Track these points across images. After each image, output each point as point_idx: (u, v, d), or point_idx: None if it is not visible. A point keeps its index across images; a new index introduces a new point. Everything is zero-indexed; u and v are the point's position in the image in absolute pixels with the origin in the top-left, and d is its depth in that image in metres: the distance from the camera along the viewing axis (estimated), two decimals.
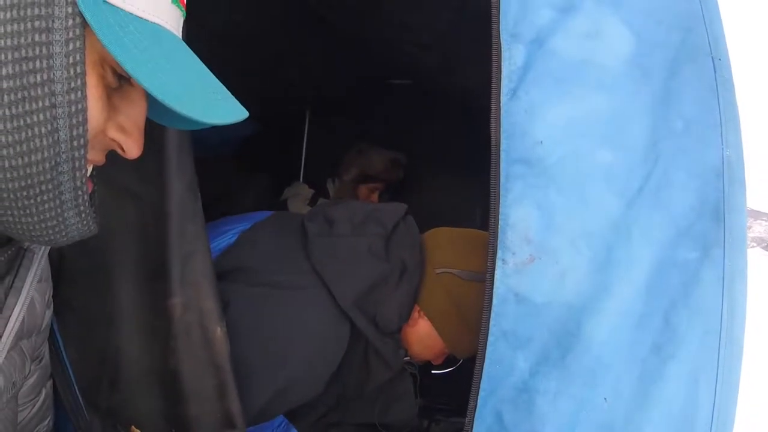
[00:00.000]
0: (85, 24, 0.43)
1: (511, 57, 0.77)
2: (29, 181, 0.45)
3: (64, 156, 0.45)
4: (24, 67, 0.41)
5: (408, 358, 1.08)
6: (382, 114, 2.14)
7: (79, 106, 0.44)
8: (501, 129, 0.75)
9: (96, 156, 0.52)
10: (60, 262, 0.84)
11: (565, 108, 0.78)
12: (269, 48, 1.48)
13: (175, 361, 0.79)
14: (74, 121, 0.44)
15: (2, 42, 0.40)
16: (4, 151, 0.43)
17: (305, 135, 2.32)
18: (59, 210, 0.48)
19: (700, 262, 0.77)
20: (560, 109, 0.77)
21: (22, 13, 0.41)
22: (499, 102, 0.76)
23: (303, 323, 0.93)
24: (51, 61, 0.42)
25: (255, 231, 1.08)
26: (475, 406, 0.75)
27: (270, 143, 2.14)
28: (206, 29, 0.97)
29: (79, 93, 0.43)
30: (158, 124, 0.62)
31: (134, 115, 0.51)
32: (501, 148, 0.75)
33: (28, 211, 0.46)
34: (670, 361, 0.76)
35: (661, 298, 0.77)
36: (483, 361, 0.75)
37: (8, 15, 0.41)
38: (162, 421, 0.82)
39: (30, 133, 0.43)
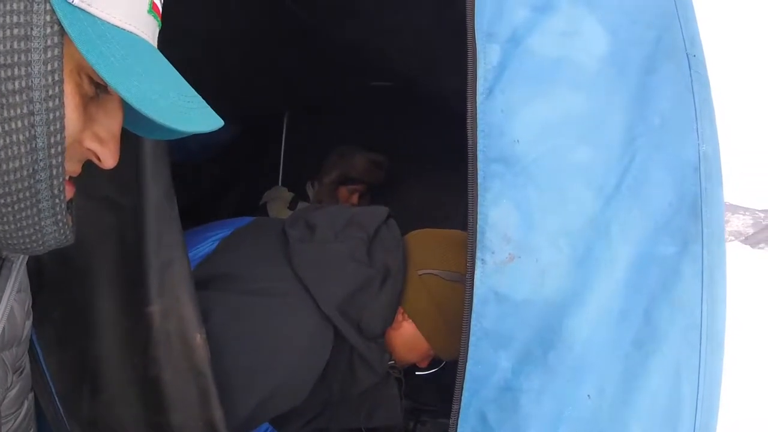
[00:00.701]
0: (63, 32, 0.43)
1: (487, 56, 0.77)
2: (6, 189, 0.45)
3: (41, 164, 0.45)
4: (2, 74, 0.41)
5: (392, 362, 1.08)
6: (362, 116, 2.14)
7: (57, 114, 0.44)
8: (477, 128, 0.75)
9: (72, 166, 0.52)
10: (39, 272, 0.83)
11: (542, 107, 0.78)
12: (247, 51, 1.48)
13: (155, 369, 0.78)
14: (52, 128, 0.44)
15: None
16: None
17: (283, 138, 2.31)
18: (36, 218, 0.47)
19: (679, 257, 0.77)
20: (537, 107, 0.78)
21: (0, 20, 0.41)
22: (475, 101, 0.76)
23: (286, 330, 0.92)
24: (29, 69, 0.42)
25: (236, 237, 1.08)
26: (459, 407, 0.75)
27: (249, 147, 2.13)
28: (185, 33, 0.96)
29: (57, 100, 0.44)
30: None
31: (110, 124, 0.51)
32: (478, 148, 0.75)
33: (4, 219, 0.46)
34: (653, 356, 0.76)
35: (642, 294, 0.77)
36: (465, 362, 0.75)
37: None
38: (144, 429, 0.81)
39: (8, 140, 0.43)
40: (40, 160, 0.44)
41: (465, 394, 0.75)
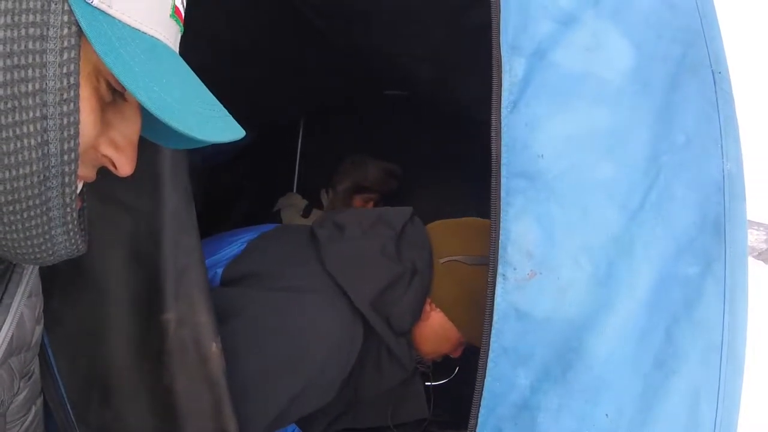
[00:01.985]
0: (80, 34, 0.41)
1: (512, 69, 0.76)
2: (16, 196, 0.43)
3: (53, 170, 0.43)
4: (15, 76, 0.39)
5: (418, 357, 1.07)
6: (376, 125, 2.14)
7: (72, 119, 0.42)
8: (501, 142, 0.74)
9: (87, 172, 0.51)
10: (52, 276, 0.82)
11: (566, 121, 0.77)
12: (264, 58, 1.47)
13: (168, 377, 0.77)
14: (65, 134, 0.42)
15: None
16: (9, 165, 0.41)
17: (299, 145, 2.31)
18: (46, 227, 0.45)
19: (702, 277, 0.76)
20: (561, 122, 0.77)
21: (16, 19, 0.39)
22: (500, 115, 0.75)
23: (318, 325, 0.92)
24: (44, 71, 0.40)
25: (263, 239, 1.09)
26: (476, 424, 0.74)
27: (264, 153, 2.12)
28: (201, 39, 0.96)
29: (72, 105, 0.42)
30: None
31: (128, 131, 0.50)
32: (501, 162, 0.74)
33: (13, 227, 0.44)
34: (672, 377, 0.75)
35: (663, 313, 0.76)
36: (483, 378, 0.74)
37: (1, 21, 0.39)
38: None
39: (19, 145, 0.41)
40: (52, 166, 0.43)
41: (482, 410, 0.74)
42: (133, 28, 0.44)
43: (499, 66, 0.76)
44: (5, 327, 0.63)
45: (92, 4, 0.41)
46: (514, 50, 0.77)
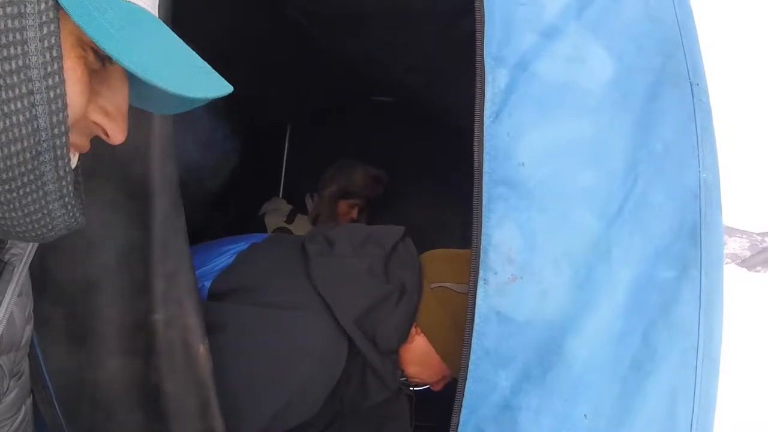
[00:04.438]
0: (58, 7, 0.42)
1: (495, 80, 0.78)
2: (11, 174, 0.43)
3: (44, 145, 0.43)
4: None
5: (404, 378, 1.08)
6: (363, 130, 2.15)
7: (58, 92, 0.42)
8: (484, 151, 0.77)
9: (80, 141, 0.51)
10: (42, 276, 0.83)
11: (547, 131, 0.79)
12: (252, 62, 1.49)
13: (157, 378, 0.79)
14: (53, 107, 0.42)
15: None
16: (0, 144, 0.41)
17: (285, 150, 2.32)
18: (43, 202, 0.45)
19: (678, 282, 0.79)
20: (542, 131, 0.79)
21: None
22: (482, 124, 0.77)
23: (302, 341, 0.93)
24: (25, 47, 0.40)
25: (253, 251, 1.09)
26: (458, 423, 0.76)
27: (250, 158, 2.14)
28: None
29: (57, 77, 0.42)
30: (141, 136, 0.61)
31: (116, 98, 0.50)
32: (484, 170, 0.76)
33: (11, 206, 0.44)
34: (650, 378, 0.77)
35: (641, 317, 0.78)
36: (465, 379, 0.76)
37: None
38: None
39: (8, 123, 0.41)
40: (43, 141, 0.43)
41: (464, 410, 0.76)
42: None
43: (483, 77, 0.78)
44: None
45: None
46: (498, 62, 0.79)
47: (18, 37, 0.40)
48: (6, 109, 0.41)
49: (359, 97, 2.08)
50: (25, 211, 0.45)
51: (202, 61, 0.52)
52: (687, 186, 0.79)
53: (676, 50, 0.85)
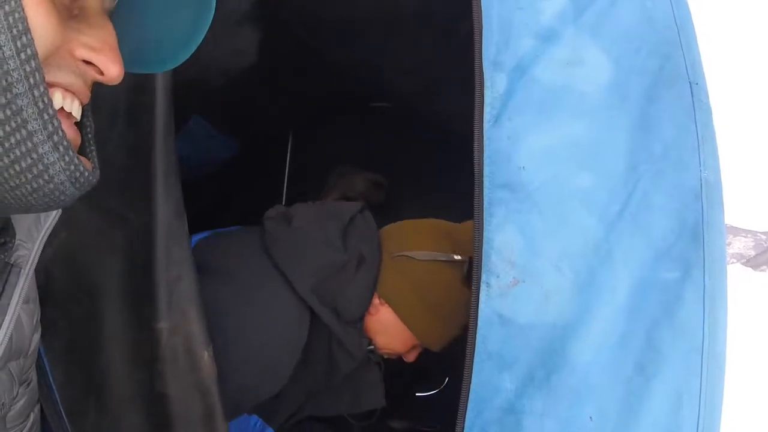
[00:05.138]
0: None
1: (494, 85, 0.79)
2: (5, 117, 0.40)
3: (15, 75, 0.40)
4: None
5: (372, 347, 1.09)
6: (364, 136, 2.16)
7: (17, 15, 0.39)
8: (484, 155, 0.77)
9: (67, 78, 0.47)
10: (47, 285, 0.84)
11: (547, 134, 0.80)
12: (251, 70, 1.50)
13: (161, 385, 0.79)
14: (15, 31, 0.39)
15: None
16: None
17: (288, 158, 2.33)
18: (29, 144, 0.42)
19: (681, 283, 0.78)
20: (541, 135, 0.79)
21: None
22: (482, 129, 0.77)
23: (265, 313, 0.95)
24: None
25: (214, 237, 1.12)
26: (463, 428, 0.76)
27: (252, 165, 2.15)
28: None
29: (13, 2, 0.39)
30: (144, 144, 0.62)
31: (100, 33, 0.48)
32: (484, 174, 0.76)
33: (22, 155, 0.41)
34: (654, 380, 0.77)
35: (644, 319, 0.78)
36: (469, 383, 0.76)
37: None
38: None
39: None
40: (12, 70, 0.40)
41: (468, 414, 0.76)
42: None
43: (482, 82, 0.78)
44: (4, 326, 0.63)
45: None
46: (496, 66, 0.80)
47: None
48: None
49: (358, 104, 2.09)
50: (12, 157, 0.41)
51: None
52: (688, 186, 0.79)
53: (675, 51, 0.85)
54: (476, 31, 0.79)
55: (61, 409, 0.86)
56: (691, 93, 0.83)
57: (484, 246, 0.76)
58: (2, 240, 0.61)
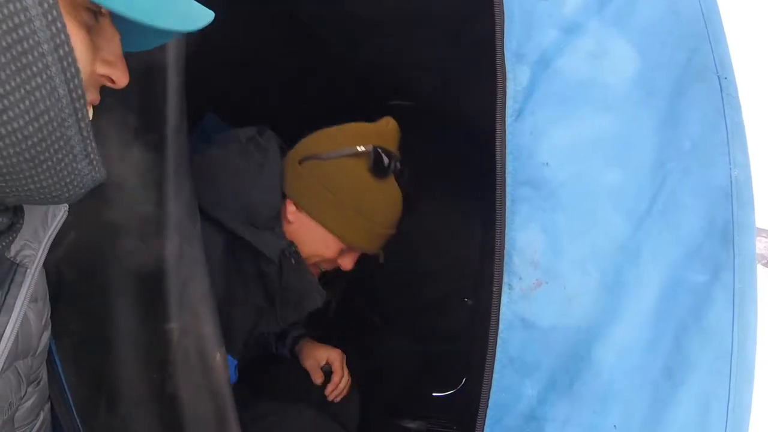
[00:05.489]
0: None
1: (516, 78, 0.76)
2: (44, 145, 0.46)
3: (66, 111, 0.46)
4: (9, 39, 0.42)
5: (294, 248, 1.08)
6: None
7: (69, 60, 0.45)
8: (506, 150, 0.74)
9: (92, 96, 0.54)
10: (59, 284, 0.82)
11: (571, 129, 0.77)
12: (266, 69, 1.48)
13: (172, 386, 0.77)
14: (68, 75, 0.45)
15: None
16: (16, 123, 0.44)
17: None
18: (73, 164, 0.49)
19: (710, 285, 0.75)
20: (566, 129, 0.76)
21: None
22: (504, 123, 0.75)
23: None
24: (32, 25, 0.42)
25: None
26: None
27: None
28: (203, 51, 0.98)
29: (66, 47, 0.45)
30: (156, 148, 0.63)
31: (113, 46, 0.53)
32: (506, 171, 0.74)
33: (48, 174, 0.47)
34: (681, 386, 0.74)
35: (671, 321, 0.75)
36: (489, 389, 0.73)
37: None
38: None
39: (33, 99, 0.44)
40: (65, 107, 0.46)
41: (488, 421, 0.73)
42: None
43: (504, 74, 0.76)
44: (9, 327, 0.63)
45: None
46: (519, 58, 0.77)
47: (23, 18, 0.42)
48: (28, 87, 0.43)
49: (377, 102, 2.06)
50: (60, 176, 0.48)
51: None
52: (717, 184, 0.76)
53: (702, 44, 0.82)
54: (497, 23, 0.76)
55: (72, 408, 0.84)
56: (720, 87, 0.80)
57: (507, 246, 0.73)
58: (12, 221, 0.60)
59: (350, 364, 1.59)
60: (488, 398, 0.73)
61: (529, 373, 0.74)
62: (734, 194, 0.76)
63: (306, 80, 1.67)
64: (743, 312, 0.75)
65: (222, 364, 0.78)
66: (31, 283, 0.66)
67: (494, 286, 0.73)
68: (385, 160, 1.09)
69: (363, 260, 2.01)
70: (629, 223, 0.75)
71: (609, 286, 0.75)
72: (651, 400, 0.74)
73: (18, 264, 0.65)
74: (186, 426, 0.79)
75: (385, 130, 1.16)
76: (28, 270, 0.66)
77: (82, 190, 0.52)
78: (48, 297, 0.78)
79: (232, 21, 1.20)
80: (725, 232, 0.76)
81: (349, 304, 1.67)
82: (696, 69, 0.80)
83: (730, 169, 0.76)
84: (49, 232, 0.68)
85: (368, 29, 1.35)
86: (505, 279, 0.73)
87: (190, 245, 0.79)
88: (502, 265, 0.73)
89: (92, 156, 0.51)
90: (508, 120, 0.75)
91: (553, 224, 0.75)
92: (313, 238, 1.07)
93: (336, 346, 1.68)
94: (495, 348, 0.73)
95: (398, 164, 1.12)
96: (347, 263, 1.14)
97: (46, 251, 0.68)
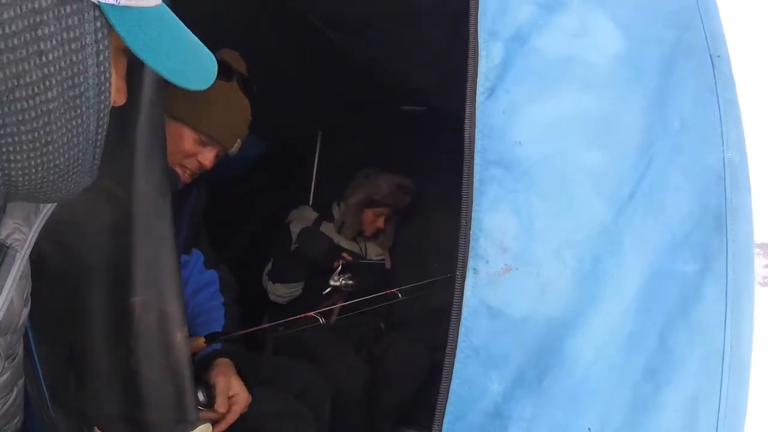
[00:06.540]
0: (109, 31, 0.50)
1: (489, 55, 0.73)
2: (71, 169, 0.55)
3: (91, 142, 0.55)
4: (65, 86, 0.50)
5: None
6: (394, 139, 2.13)
7: (105, 104, 0.53)
8: (476, 129, 0.71)
9: None
10: (39, 261, 0.84)
11: (549, 107, 0.73)
12: (283, 71, 1.50)
13: (134, 362, 0.76)
14: (101, 115, 0.53)
15: (51, 68, 0.48)
16: (53, 155, 0.52)
17: (316, 158, 2.32)
18: (81, 178, 0.58)
19: (701, 275, 0.69)
20: (543, 108, 0.72)
21: (60, 36, 0.48)
22: (474, 101, 0.71)
23: None
24: (86, 74, 0.50)
25: None
26: (440, 431, 0.68)
27: (281, 165, 2.15)
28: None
29: (107, 93, 0.52)
30: (128, 125, 0.73)
31: (122, 70, 0.58)
32: (475, 150, 0.70)
33: (63, 186, 0.57)
34: (666, 387, 0.67)
35: (656, 316, 0.69)
36: (450, 381, 0.68)
37: (51, 43, 0.47)
38: (122, 423, 0.79)
39: (70, 136, 0.52)
40: (91, 140, 0.54)
41: (448, 417, 0.68)
42: (141, 7, 0.52)
43: (476, 52, 0.72)
44: None
45: (119, 4, 0.50)
46: (492, 36, 0.74)
47: (81, 68, 0.50)
48: (70, 126, 0.51)
49: (389, 107, 2.06)
50: (69, 188, 0.57)
51: (204, 48, 0.61)
52: (709, 166, 0.70)
53: (693, 21, 0.77)
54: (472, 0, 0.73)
55: (43, 384, 0.85)
56: (713, 65, 0.74)
57: (472, 227, 0.69)
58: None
59: (357, 370, 1.58)
60: (448, 391, 0.68)
61: (495, 365, 0.68)
62: (728, 176, 0.70)
63: (316, 83, 1.68)
64: (738, 306, 0.68)
65: (183, 345, 0.77)
66: (20, 266, 0.68)
67: (458, 269, 0.69)
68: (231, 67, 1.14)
69: (371, 268, 2.00)
70: (610, 207, 0.70)
71: (586, 275, 0.69)
72: (631, 401, 0.67)
73: (8, 247, 0.66)
74: (147, 404, 0.78)
75: (237, 57, 1.22)
76: (18, 253, 0.67)
77: (79, 191, 0.60)
78: (30, 273, 0.79)
79: (243, 25, 1.23)
80: (718, 219, 0.69)
81: (356, 310, 1.65)
82: (686, 47, 0.75)
83: (723, 150, 0.70)
84: (41, 217, 0.70)
85: (363, 25, 1.34)
86: (470, 263, 0.69)
87: (160, 223, 0.79)
88: (468, 248, 0.69)
89: (94, 171, 0.59)
90: (479, 98, 0.71)
91: (526, 207, 0.70)
92: (169, 134, 1.06)
93: (344, 351, 1.66)
94: (457, 336, 0.68)
95: (242, 77, 1.19)
96: (206, 158, 1.16)
97: (36, 234, 0.70)
